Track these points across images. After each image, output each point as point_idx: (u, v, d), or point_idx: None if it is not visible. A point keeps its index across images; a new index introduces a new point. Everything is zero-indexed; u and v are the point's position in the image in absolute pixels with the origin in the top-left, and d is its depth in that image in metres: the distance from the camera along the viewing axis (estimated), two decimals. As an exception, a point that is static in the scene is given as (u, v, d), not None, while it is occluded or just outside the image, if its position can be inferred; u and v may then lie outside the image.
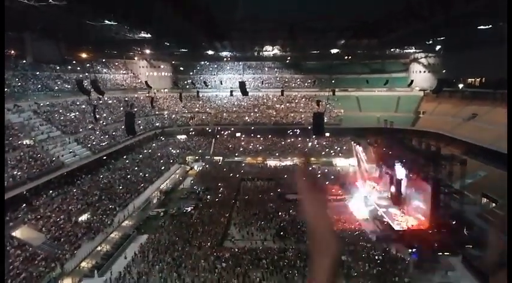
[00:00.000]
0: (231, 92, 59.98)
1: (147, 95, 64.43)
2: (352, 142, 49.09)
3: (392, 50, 63.95)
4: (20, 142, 33.61)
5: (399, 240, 28.71)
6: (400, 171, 35.08)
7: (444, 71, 57.63)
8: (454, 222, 28.99)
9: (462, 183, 29.88)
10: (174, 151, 57.54)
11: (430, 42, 54.88)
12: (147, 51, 64.77)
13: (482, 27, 37.83)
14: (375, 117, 56.63)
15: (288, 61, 73.51)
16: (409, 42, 57.34)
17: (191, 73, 74.78)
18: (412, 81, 54.36)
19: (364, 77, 62.26)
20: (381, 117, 52.26)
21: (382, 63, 67.69)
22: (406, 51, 64.41)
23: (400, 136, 42.13)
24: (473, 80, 56.58)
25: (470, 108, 50.99)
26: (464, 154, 39.14)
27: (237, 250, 27.25)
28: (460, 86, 56.79)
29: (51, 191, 32.72)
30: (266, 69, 75.32)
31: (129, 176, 42.39)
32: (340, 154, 56.24)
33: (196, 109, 68.39)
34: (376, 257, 25.55)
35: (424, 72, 63.30)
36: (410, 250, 26.53)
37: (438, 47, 57.16)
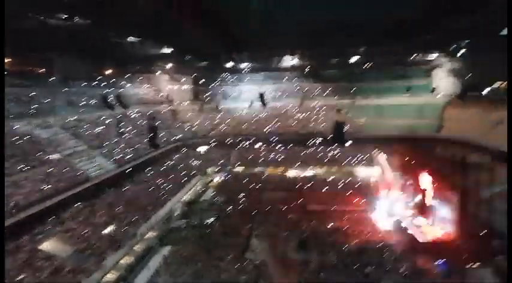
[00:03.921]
0: (251, 103, 60.35)
1: (169, 108, 65.78)
2: (375, 150, 48.31)
3: (413, 56, 63.00)
4: (48, 157, 34.84)
5: (425, 251, 27.83)
6: (426, 180, 34.25)
7: (469, 76, 56.17)
8: (483, 232, 27.91)
9: (491, 192, 28.82)
10: (195, 163, 58.15)
11: (454, 46, 53.77)
12: (169, 66, 66.36)
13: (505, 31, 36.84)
14: (397, 124, 55.65)
15: (307, 71, 73.51)
16: (431, 47, 56.43)
17: (211, 85, 75.88)
18: (434, 87, 53.23)
19: (385, 85, 61.43)
20: (404, 124, 51.34)
21: (403, 69, 66.66)
22: (429, 56, 63.25)
23: (425, 143, 41.20)
24: (500, 84, 54.73)
25: (498, 114, 49.26)
26: (493, 161, 37.78)
27: (259, 261, 27.11)
28: (486, 90, 55.04)
29: (77, 204, 33.65)
30: (285, 79, 75.51)
31: (152, 188, 43.08)
32: (362, 164, 55.35)
33: (217, 121, 69.16)
34: (402, 270, 24.84)
35: (448, 77, 61.89)
36: (437, 262, 25.67)
37: (462, 52, 55.84)
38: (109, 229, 31.08)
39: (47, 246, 26.61)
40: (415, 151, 38.28)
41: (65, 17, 30.06)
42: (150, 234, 33.62)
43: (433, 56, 62.90)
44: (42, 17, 29.51)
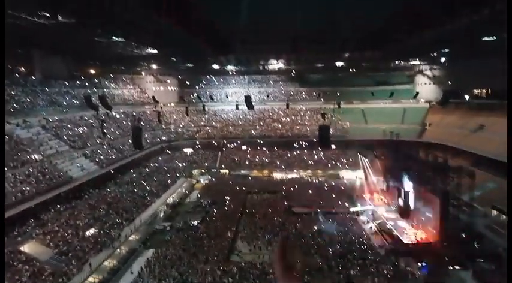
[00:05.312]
0: (237, 105, 60.30)
1: (154, 109, 65.03)
2: (359, 154, 48.90)
3: (396, 62, 64.17)
4: (28, 157, 33.97)
5: (408, 253, 28.28)
6: (408, 184, 34.81)
7: (450, 82, 57.57)
8: (463, 235, 28.54)
9: (471, 196, 29.53)
10: (181, 165, 57.68)
11: (435, 54, 55.02)
12: (154, 67, 65.75)
13: (486, 38, 37.89)
14: (380, 129, 56.47)
15: (292, 74, 73.97)
16: (413, 54, 57.58)
17: (197, 87, 75.47)
18: (417, 93, 54.30)
19: (369, 89, 62.34)
20: (386, 129, 52.14)
21: (386, 75, 67.91)
22: (411, 63, 64.56)
23: (407, 148, 41.92)
24: (479, 91, 56.33)
25: (478, 119, 50.64)
26: (473, 166, 38.75)
27: (243, 264, 27.01)
28: (467, 97, 56.55)
29: (59, 206, 32.87)
30: (271, 82, 75.82)
31: (136, 190, 42.48)
32: (346, 167, 55.94)
33: (203, 123, 68.81)
34: (385, 271, 25.15)
35: (430, 83, 63.31)
36: (419, 264, 26.09)
37: (443, 59, 57.19)
38: (91, 232, 30.45)
39: (27, 248, 25.88)
40: (398, 155, 38.86)
41: (48, 16, 29.31)
42: (134, 237, 33.09)
43: (415, 63, 64.28)
44: (24, 15, 28.73)
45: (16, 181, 29.95)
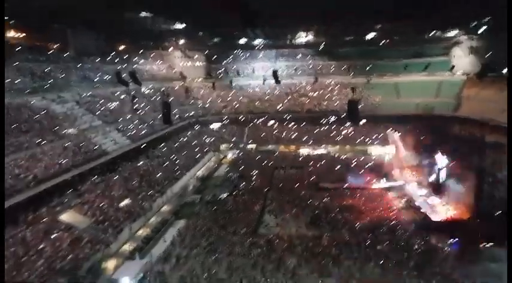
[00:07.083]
0: (264, 80, 59.75)
1: (182, 84, 65.63)
2: (389, 129, 47.74)
3: (432, 33, 60.92)
4: (64, 131, 35.28)
5: (439, 229, 27.80)
6: (441, 160, 33.83)
7: (489, 54, 54.30)
8: (498, 213, 27.66)
9: (507, 172, 28.35)
10: (208, 140, 58.46)
11: (474, 23, 51.75)
12: (182, 42, 65.75)
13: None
14: (414, 103, 54.61)
15: (321, 48, 71.94)
16: (450, 24, 54.43)
17: (224, 62, 75.12)
18: (453, 66, 51.60)
19: (402, 62, 59.93)
20: (420, 103, 50.32)
21: (421, 47, 64.75)
22: (448, 34, 61.12)
23: (441, 123, 40.50)
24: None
25: (518, 93, 47.86)
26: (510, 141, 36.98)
27: (271, 236, 27.51)
28: (505, 70, 53.22)
29: (94, 177, 34.33)
30: (299, 56, 74.21)
31: (166, 163, 43.62)
32: (376, 143, 54.81)
33: (229, 98, 68.86)
34: (415, 247, 24.92)
35: (467, 55, 59.96)
36: (450, 240, 25.63)
37: (482, 29, 53.74)
38: (125, 202, 31.76)
39: (66, 217, 27.34)
40: (432, 130, 37.66)
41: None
42: (165, 208, 34.31)
43: (452, 33, 60.77)
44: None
45: (54, 154, 31.32)
